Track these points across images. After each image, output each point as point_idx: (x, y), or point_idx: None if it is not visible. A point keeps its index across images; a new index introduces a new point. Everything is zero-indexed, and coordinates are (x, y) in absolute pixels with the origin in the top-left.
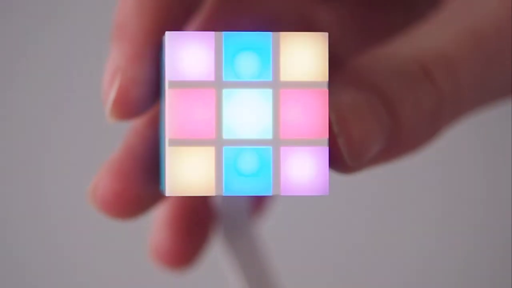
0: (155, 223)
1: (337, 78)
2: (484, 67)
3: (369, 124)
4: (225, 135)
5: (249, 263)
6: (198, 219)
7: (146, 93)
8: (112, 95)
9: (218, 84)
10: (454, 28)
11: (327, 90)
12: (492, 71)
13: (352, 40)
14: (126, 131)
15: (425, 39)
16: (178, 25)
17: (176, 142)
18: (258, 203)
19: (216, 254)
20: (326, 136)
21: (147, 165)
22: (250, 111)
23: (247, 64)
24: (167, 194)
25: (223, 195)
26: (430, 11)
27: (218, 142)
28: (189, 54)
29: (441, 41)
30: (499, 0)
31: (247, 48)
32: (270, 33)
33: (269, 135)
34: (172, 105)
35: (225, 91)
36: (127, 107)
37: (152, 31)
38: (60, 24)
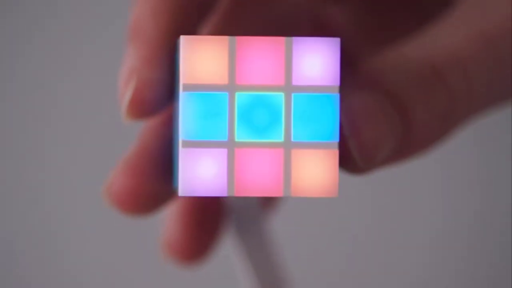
0: (166, 217)
1: (348, 81)
2: (495, 68)
3: (380, 127)
4: (238, 137)
5: (259, 259)
6: (210, 215)
7: (161, 94)
8: (127, 95)
9: (231, 87)
10: (465, 30)
11: (339, 95)
12: (503, 72)
13: (364, 41)
14: (140, 130)
15: (437, 41)
16: (193, 27)
17: (189, 144)
18: (268, 201)
19: (227, 249)
20: (336, 139)
21: (161, 163)
22: (263, 114)
23: (260, 68)
24: (180, 194)
25: (235, 196)
26: (442, 12)
27: (230, 144)
28: (203, 58)
29: (453, 43)
30: (511, 3)
31: (260, 52)
32: (283, 38)
33: (280, 138)
34: (186, 107)
35: (238, 94)
36: (142, 108)
37: (167, 33)
38: (76, 23)
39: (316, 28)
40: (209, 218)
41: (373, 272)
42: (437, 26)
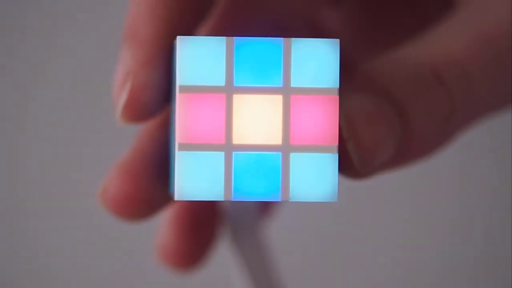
0: (162, 223)
1: (348, 83)
2: (496, 72)
3: (380, 130)
4: (235, 141)
5: (255, 265)
6: (205, 220)
7: (157, 96)
8: (123, 98)
9: (228, 89)
10: (466, 33)
11: (338, 97)
12: (504, 76)
13: (363, 43)
14: (136, 134)
15: (438, 44)
16: (190, 29)
17: (185, 147)
18: (265, 206)
19: (222, 255)
20: (336, 143)
21: (157, 168)
22: (260, 117)
23: (258, 69)
24: (176, 198)
25: (232, 200)
26: (442, 14)
27: (227, 147)
28: (200, 59)
29: (454, 46)
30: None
31: (258, 53)
32: (281, 38)
33: (278, 141)
34: (182, 109)
35: (235, 96)
36: (137, 111)
37: (163, 35)
38: (71, 25)
39: (313, 31)
40: (204, 224)
41: (373, 279)
42: (438, 29)
